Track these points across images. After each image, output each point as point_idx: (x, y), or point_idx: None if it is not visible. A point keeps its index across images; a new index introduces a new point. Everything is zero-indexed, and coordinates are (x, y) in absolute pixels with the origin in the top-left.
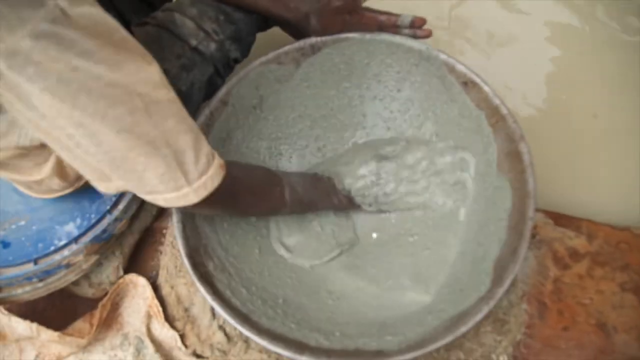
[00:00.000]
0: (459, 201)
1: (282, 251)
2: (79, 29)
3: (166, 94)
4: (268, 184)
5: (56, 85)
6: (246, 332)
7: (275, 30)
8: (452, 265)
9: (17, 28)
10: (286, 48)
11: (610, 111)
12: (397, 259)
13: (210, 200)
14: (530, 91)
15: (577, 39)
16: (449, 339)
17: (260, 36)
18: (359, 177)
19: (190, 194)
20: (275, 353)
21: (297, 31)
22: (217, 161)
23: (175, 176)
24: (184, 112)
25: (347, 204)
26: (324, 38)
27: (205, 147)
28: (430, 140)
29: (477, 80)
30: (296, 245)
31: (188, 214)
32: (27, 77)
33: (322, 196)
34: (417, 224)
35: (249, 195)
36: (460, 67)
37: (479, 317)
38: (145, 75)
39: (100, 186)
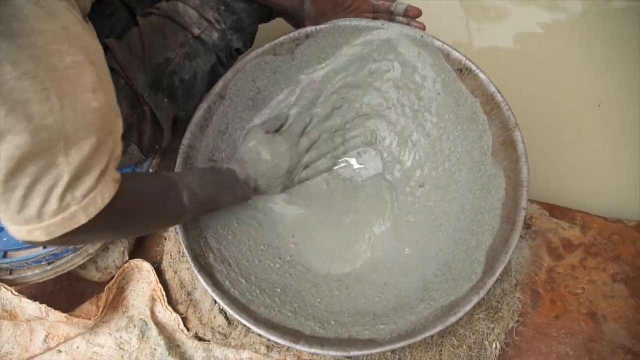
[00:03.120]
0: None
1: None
2: (9, 5)
3: (89, 100)
4: (162, 192)
5: None
6: (244, 322)
7: (278, 22)
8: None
9: None
10: (281, 39)
11: (613, 102)
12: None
13: (99, 221)
14: (529, 81)
15: (582, 25)
16: (439, 328)
17: (263, 27)
18: (257, 159)
19: (78, 213)
20: (273, 341)
21: (297, 20)
22: (107, 175)
23: (65, 196)
24: (104, 120)
25: (251, 192)
26: (318, 27)
27: (100, 162)
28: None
29: (473, 67)
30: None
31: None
32: None
33: (223, 191)
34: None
35: (141, 208)
36: (455, 54)
37: (469, 307)
38: (70, 73)
39: None
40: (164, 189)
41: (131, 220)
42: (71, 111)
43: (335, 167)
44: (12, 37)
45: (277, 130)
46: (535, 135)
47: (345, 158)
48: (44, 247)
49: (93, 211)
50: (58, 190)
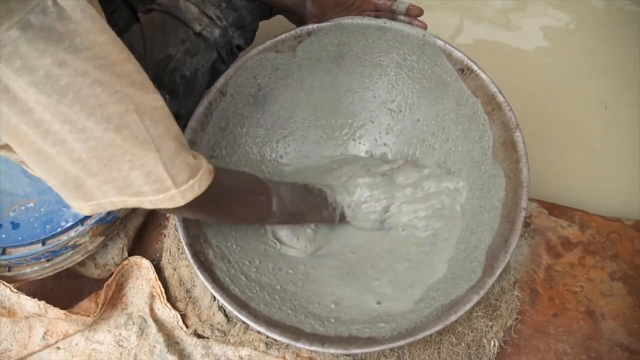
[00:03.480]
0: (443, 228)
1: (272, 242)
2: (71, 22)
3: (155, 100)
4: (255, 193)
5: (44, 79)
6: (244, 319)
7: (279, 19)
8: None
9: (4, 19)
10: (283, 36)
11: (615, 103)
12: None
13: (196, 205)
14: (531, 81)
15: (587, 26)
16: (438, 327)
17: (263, 25)
18: (352, 193)
19: (176, 196)
20: (272, 338)
21: (298, 18)
22: (206, 166)
23: (162, 177)
24: (172, 118)
25: (336, 218)
26: (320, 25)
27: (195, 153)
28: (425, 165)
29: (475, 67)
30: (284, 238)
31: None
32: (14, 70)
33: (311, 208)
34: (397, 244)
35: (234, 203)
36: (457, 54)
37: (468, 306)
38: (134, 78)
39: (74, 203)
40: (257, 189)
41: (222, 209)
42: (145, 111)
43: None
44: (78, 52)
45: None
46: (535, 135)
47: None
48: (43, 244)
49: (190, 196)
50: (157, 175)
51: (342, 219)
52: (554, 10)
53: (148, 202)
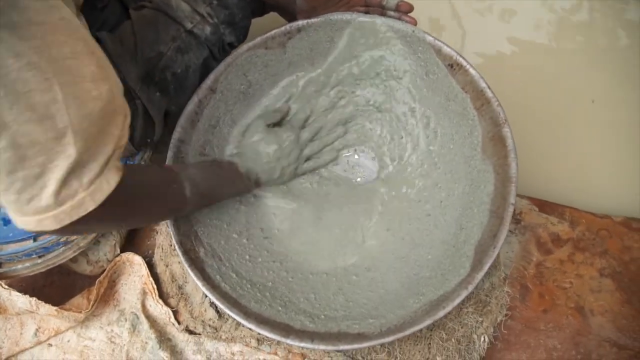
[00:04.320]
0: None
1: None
2: None
3: (91, 90)
4: (164, 183)
5: None
6: (235, 316)
7: (273, 16)
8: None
9: None
10: (273, 32)
11: (605, 98)
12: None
13: (106, 208)
14: (522, 77)
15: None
16: (427, 322)
17: (256, 22)
18: (259, 152)
19: (86, 199)
20: (263, 335)
21: (290, 15)
22: (113, 163)
23: (72, 183)
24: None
25: (252, 187)
26: (310, 20)
27: (105, 149)
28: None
29: (464, 63)
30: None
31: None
32: None
33: (224, 184)
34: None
35: (146, 198)
36: (446, 50)
37: (457, 301)
38: (71, 64)
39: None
40: (166, 179)
41: (135, 208)
42: (73, 100)
43: (334, 163)
44: (14, 29)
45: (277, 123)
46: (526, 131)
47: (344, 155)
48: (35, 240)
49: (100, 197)
50: (66, 178)
51: (258, 184)
52: (541, 7)
53: (52, 217)
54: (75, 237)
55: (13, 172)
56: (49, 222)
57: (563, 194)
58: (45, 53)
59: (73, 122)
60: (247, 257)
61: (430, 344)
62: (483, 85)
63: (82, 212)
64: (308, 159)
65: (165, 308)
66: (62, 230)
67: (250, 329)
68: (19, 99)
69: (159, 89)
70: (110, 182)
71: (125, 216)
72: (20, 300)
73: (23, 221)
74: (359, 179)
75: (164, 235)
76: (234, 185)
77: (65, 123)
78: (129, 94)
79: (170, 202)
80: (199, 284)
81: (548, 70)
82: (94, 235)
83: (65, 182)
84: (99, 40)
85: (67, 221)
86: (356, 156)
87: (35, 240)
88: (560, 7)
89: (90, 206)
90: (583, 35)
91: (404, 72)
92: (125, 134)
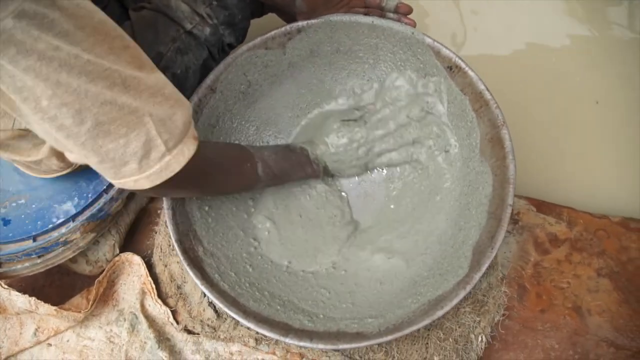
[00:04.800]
0: (437, 144)
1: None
2: (61, 9)
3: (139, 70)
4: (240, 160)
5: (38, 63)
6: (233, 315)
7: (272, 17)
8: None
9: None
10: (273, 33)
11: (606, 99)
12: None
13: (186, 174)
14: (522, 79)
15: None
16: (425, 322)
17: (255, 23)
18: (330, 144)
19: (172, 162)
20: (262, 334)
21: (290, 16)
22: (192, 131)
23: (156, 143)
24: (161, 84)
25: (320, 173)
26: (310, 22)
27: (182, 114)
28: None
29: (463, 65)
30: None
31: (178, 200)
32: (10, 58)
33: (295, 167)
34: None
35: (221, 171)
36: (445, 52)
37: (455, 301)
38: (118, 55)
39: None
40: (241, 156)
41: (212, 176)
42: (131, 83)
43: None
44: (67, 36)
45: (353, 119)
46: (525, 132)
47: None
48: (34, 240)
49: (183, 160)
50: (151, 144)
51: (327, 173)
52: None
53: (145, 178)
54: (74, 237)
55: (103, 146)
56: (144, 182)
57: (561, 194)
58: (93, 51)
59: (150, 88)
60: (245, 255)
61: (427, 343)
62: (482, 87)
63: (170, 174)
64: (380, 154)
65: (164, 308)
66: (154, 190)
67: (249, 327)
68: (100, 75)
69: None
70: (190, 147)
71: (204, 182)
72: (20, 300)
73: (121, 183)
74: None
75: (163, 236)
76: (303, 170)
77: (140, 90)
78: None
79: (243, 178)
80: (198, 282)
81: (548, 71)
82: (93, 235)
83: (151, 147)
84: None
85: (158, 181)
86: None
87: (34, 240)
88: (561, 7)
89: (176, 168)
90: (581, 34)
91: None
92: (190, 105)
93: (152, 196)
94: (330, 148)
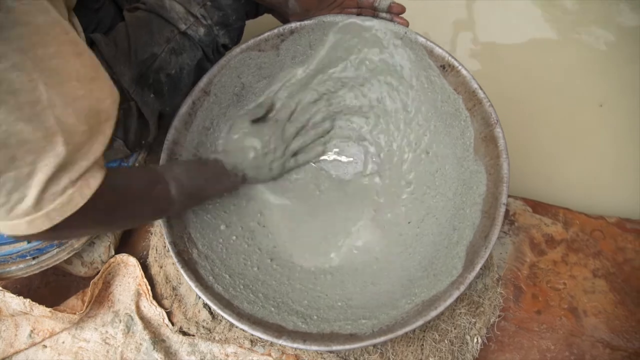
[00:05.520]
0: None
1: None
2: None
3: (76, 88)
4: (149, 182)
5: None
6: (228, 317)
7: (268, 18)
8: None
9: None
10: (266, 35)
11: (605, 101)
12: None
13: (93, 206)
14: (521, 79)
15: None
16: (419, 323)
17: (251, 23)
18: (244, 150)
19: (75, 195)
20: (255, 336)
21: (283, 17)
22: (98, 162)
23: (61, 179)
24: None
25: (239, 183)
26: (303, 23)
27: (90, 149)
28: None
29: (455, 63)
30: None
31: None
32: None
33: (211, 181)
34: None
35: (131, 200)
36: (438, 51)
37: (449, 301)
38: (56, 64)
39: None
40: (151, 179)
41: (122, 206)
42: (59, 99)
43: (323, 157)
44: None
45: (262, 118)
46: (520, 133)
47: (333, 150)
48: (29, 242)
49: (88, 192)
50: (55, 176)
51: (245, 180)
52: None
53: (44, 216)
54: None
55: (3, 172)
56: (41, 221)
57: (557, 195)
58: (29, 53)
59: (60, 121)
60: (242, 257)
61: (423, 345)
62: (475, 86)
63: (73, 209)
64: (296, 153)
65: (160, 309)
66: (52, 232)
67: (243, 330)
68: (5, 99)
69: (153, 91)
70: (96, 176)
71: (113, 214)
72: (15, 302)
73: (12, 225)
74: (348, 176)
75: (158, 237)
76: (220, 182)
77: (52, 122)
78: (124, 96)
79: (156, 202)
80: (192, 285)
81: (548, 70)
82: (93, 235)
83: (54, 180)
84: (93, 43)
85: (58, 219)
86: (344, 157)
87: (29, 241)
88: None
89: (80, 202)
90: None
91: (397, 70)
92: (110, 133)
93: (46, 240)
94: (246, 153)
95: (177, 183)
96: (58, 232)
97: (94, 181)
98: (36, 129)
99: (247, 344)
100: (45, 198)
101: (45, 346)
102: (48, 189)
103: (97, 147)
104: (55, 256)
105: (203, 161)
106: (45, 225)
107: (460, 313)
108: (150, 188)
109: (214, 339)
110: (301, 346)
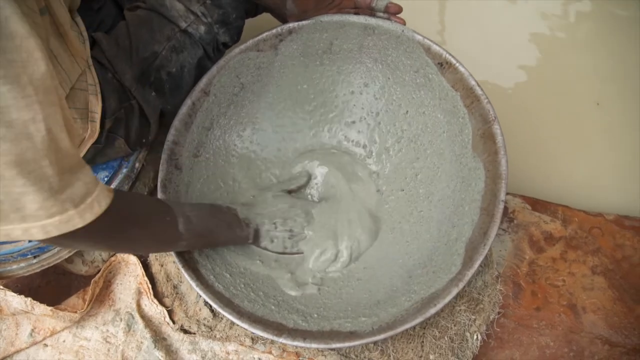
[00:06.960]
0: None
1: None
2: None
3: (65, 108)
4: (158, 214)
5: None
6: (228, 315)
7: (267, 17)
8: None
9: None
10: (264, 35)
11: (604, 100)
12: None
13: (95, 228)
14: (522, 79)
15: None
16: (419, 320)
17: (251, 22)
18: (271, 217)
19: (74, 217)
20: (256, 334)
21: (281, 17)
22: (103, 185)
23: (59, 198)
24: (62, 135)
25: (250, 235)
26: (301, 23)
27: (89, 172)
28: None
29: (453, 61)
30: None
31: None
32: None
33: (221, 226)
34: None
35: (136, 226)
36: (436, 48)
37: (448, 298)
38: (48, 83)
39: None
40: (160, 211)
41: (124, 233)
42: (54, 120)
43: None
44: None
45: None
46: (519, 130)
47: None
48: (29, 241)
49: (89, 217)
50: (53, 192)
51: (256, 238)
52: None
53: (40, 227)
54: None
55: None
56: (36, 231)
57: (556, 193)
58: (28, 69)
59: (55, 140)
60: (240, 254)
61: (423, 342)
62: (472, 82)
63: (70, 228)
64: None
65: (160, 308)
66: (48, 241)
67: (243, 328)
68: None
69: (154, 89)
70: (101, 203)
71: (114, 240)
72: (16, 301)
73: (8, 229)
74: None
75: None
76: (231, 229)
77: (46, 143)
78: (125, 94)
79: (160, 234)
80: (192, 284)
81: (547, 70)
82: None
83: (51, 198)
84: (94, 41)
85: (54, 233)
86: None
87: (30, 240)
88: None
89: (78, 224)
90: (586, 35)
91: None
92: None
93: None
94: (268, 207)
95: (186, 220)
96: (52, 241)
97: (99, 207)
98: (26, 150)
99: (248, 341)
100: (44, 212)
101: (46, 345)
102: (46, 205)
103: (85, 172)
104: (56, 255)
105: (216, 206)
106: (40, 235)
107: (460, 310)
108: (158, 218)
109: (215, 337)
110: (301, 344)
